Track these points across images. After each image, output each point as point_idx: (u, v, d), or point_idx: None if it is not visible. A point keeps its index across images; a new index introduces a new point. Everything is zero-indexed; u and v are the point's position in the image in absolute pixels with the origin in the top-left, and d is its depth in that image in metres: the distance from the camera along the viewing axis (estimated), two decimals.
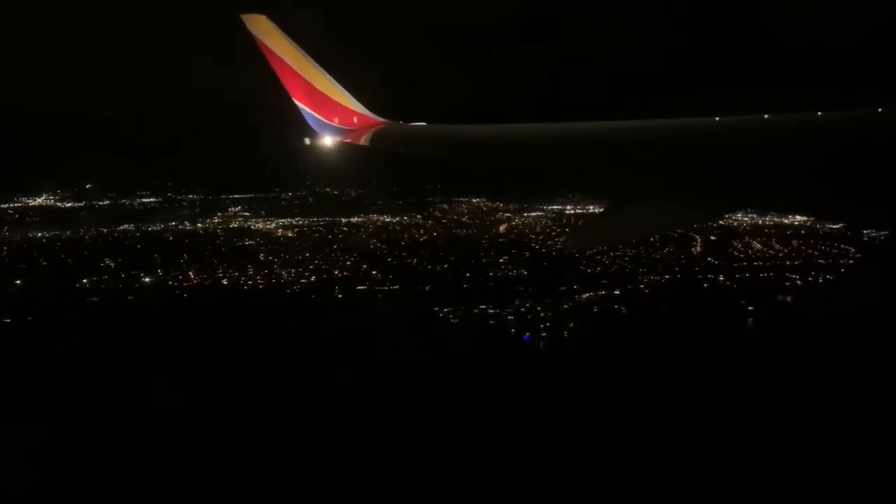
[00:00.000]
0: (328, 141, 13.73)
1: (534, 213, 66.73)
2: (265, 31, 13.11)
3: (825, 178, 5.72)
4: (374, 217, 67.63)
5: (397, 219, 66.81)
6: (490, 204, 70.39)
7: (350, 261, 53.02)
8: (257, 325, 40.38)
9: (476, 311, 41.51)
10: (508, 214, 66.99)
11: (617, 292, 45.59)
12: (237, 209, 72.99)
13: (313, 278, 49.79)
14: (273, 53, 13.18)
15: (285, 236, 62.27)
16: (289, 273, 50.84)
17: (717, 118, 8.24)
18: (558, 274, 48.01)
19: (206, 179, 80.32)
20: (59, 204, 75.73)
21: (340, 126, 13.73)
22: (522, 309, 41.44)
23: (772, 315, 39.95)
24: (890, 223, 5.45)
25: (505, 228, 62.48)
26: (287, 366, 33.70)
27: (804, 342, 30.82)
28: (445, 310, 41.92)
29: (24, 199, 75.56)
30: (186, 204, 76.12)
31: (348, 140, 13.59)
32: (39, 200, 76.29)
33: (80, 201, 76.33)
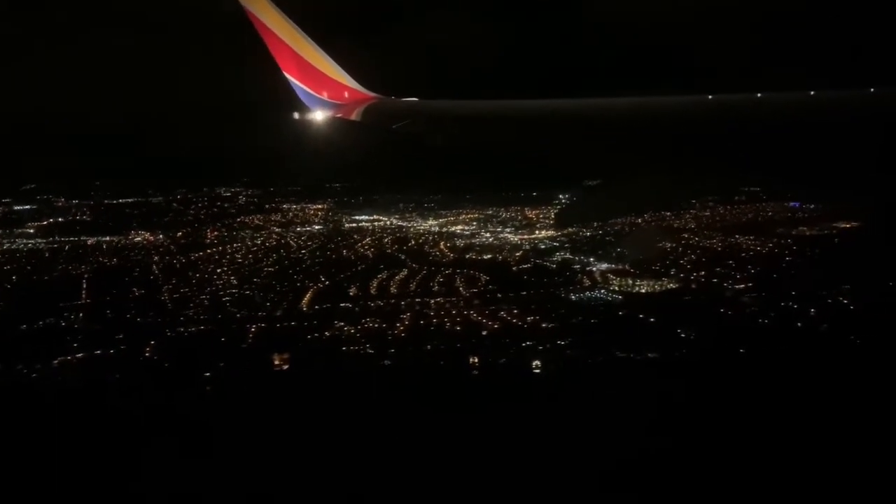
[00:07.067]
0: (318, 115, 13.56)
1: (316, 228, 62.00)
2: (257, 4, 12.91)
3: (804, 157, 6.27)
4: (142, 236, 61.30)
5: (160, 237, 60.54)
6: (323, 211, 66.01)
7: None
8: None
9: None
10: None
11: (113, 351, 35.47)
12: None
13: None
14: (264, 26, 12.98)
15: None
16: None
17: (709, 96, 8.55)
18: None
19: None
20: None
21: (331, 100, 13.62)
22: None
23: None
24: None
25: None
26: None
27: None
28: None
29: None
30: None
31: (339, 115, 13.51)
32: None
33: None
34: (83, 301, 44.05)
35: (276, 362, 34.47)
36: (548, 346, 33.60)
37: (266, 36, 13.02)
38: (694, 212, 55.44)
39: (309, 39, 13.26)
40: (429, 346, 35.04)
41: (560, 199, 60.86)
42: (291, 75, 13.44)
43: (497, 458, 23.77)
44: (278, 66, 13.33)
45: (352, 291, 43.19)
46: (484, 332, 36.17)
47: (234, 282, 46.64)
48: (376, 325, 37.61)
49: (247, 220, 68.19)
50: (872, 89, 7.34)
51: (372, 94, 13.79)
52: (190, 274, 48.51)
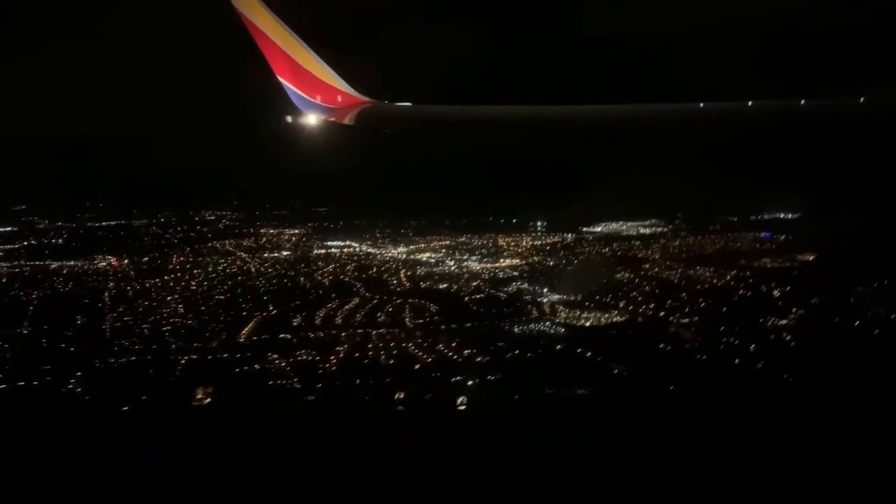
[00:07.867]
0: (311, 119, 13.42)
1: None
2: (250, 7, 12.74)
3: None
4: (107, 260, 60.19)
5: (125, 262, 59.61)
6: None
7: None
8: None
9: None
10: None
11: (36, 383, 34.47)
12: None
13: None
14: (257, 29, 12.85)
15: None
16: None
17: (700, 104, 8.21)
18: None
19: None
20: None
21: (324, 104, 13.53)
22: None
23: None
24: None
25: None
26: None
27: None
28: None
29: None
30: None
31: (332, 119, 13.41)
32: None
33: None
34: (22, 329, 43.05)
35: (199, 396, 33.16)
36: (476, 381, 32.43)
37: (259, 39, 12.91)
38: (664, 241, 55.15)
39: (303, 43, 13.13)
40: (357, 381, 33.90)
41: (537, 226, 59.99)
42: (285, 79, 13.37)
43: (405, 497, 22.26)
44: (271, 69, 13.28)
45: (295, 322, 42.34)
46: (416, 366, 35.15)
47: (181, 310, 45.83)
48: (309, 358, 36.64)
49: (217, 246, 67.47)
50: (862, 98, 7.19)
51: (365, 98, 13.57)
52: (138, 302, 47.72)
